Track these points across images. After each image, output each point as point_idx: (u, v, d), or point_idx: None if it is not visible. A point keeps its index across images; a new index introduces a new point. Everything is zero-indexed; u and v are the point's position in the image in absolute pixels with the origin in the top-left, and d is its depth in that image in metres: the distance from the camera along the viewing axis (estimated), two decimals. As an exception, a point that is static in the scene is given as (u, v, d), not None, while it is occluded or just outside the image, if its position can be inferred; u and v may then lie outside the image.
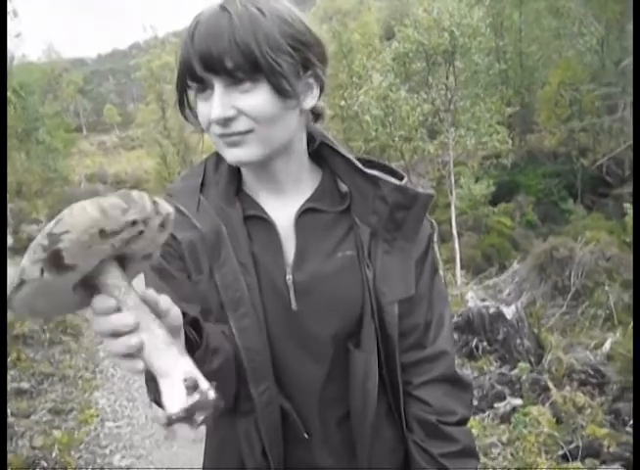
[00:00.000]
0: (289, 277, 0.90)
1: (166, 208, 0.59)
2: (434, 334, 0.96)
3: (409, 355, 0.95)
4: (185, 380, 0.58)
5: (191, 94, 0.86)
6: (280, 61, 0.79)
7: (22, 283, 0.55)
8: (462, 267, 9.59)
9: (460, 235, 13.42)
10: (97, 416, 4.45)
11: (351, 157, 0.93)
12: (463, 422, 0.97)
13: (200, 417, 0.58)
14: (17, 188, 17.17)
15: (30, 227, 15.92)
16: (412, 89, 9.50)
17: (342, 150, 0.94)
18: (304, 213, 0.92)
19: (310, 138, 0.95)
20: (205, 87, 0.82)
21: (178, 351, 0.59)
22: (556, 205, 15.55)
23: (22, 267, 0.54)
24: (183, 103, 0.87)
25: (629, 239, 8.64)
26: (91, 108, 45.00)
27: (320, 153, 0.96)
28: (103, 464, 3.74)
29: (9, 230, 15.60)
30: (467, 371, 4.30)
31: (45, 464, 3.67)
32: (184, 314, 0.74)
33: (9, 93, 8.02)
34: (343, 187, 0.95)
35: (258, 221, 0.92)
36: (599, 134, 17.00)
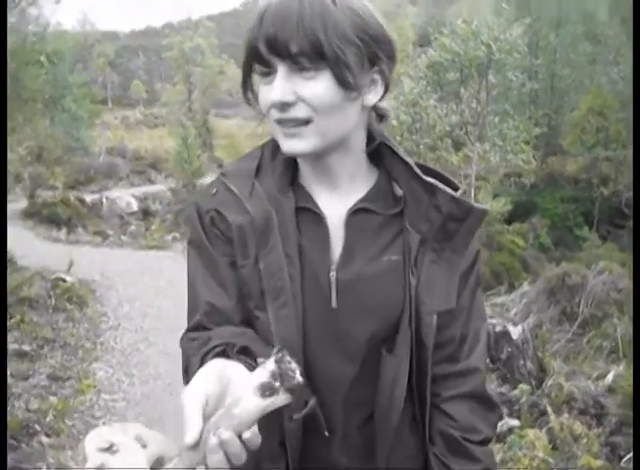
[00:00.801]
0: (332, 274, 0.90)
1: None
2: (468, 349, 0.95)
3: (441, 368, 0.94)
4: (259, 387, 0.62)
5: (255, 78, 0.87)
6: (346, 51, 0.79)
7: None
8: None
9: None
10: (94, 387, 4.48)
11: (410, 161, 0.92)
12: (486, 442, 0.96)
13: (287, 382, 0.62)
14: (38, 152, 17.25)
15: (46, 193, 16.04)
16: (442, 99, 9.46)
17: (402, 153, 0.93)
18: (356, 213, 0.92)
19: (370, 137, 0.94)
20: (269, 71, 0.82)
21: None
22: (571, 230, 15.42)
23: None
24: (246, 85, 0.88)
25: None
26: (119, 82, 45.17)
27: (378, 153, 0.96)
28: (95, 435, 3.76)
29: (25, 194, 15.71)
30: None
31: (38, 428, 3.70)
32: (233, 345, 0.80)
33: (42, 58, 8.05)
34: (398, 191, 0.94)
35: (309, 214, 0.92)
36: (622, 165, 16.82)
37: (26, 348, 5.17)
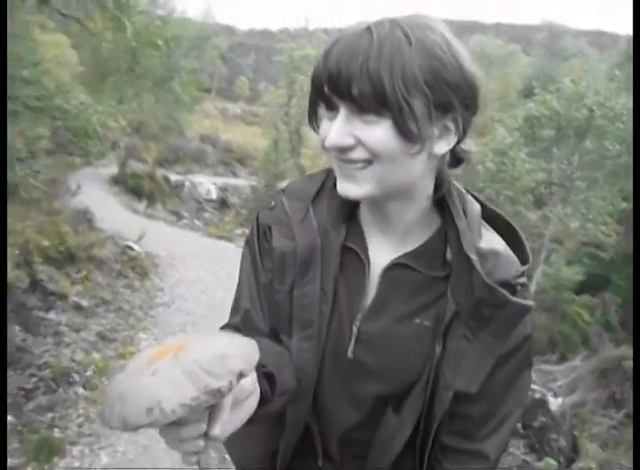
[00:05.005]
0: (356, 324, 0.87)
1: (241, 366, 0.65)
2: (486, 433, 0.87)
3: (452, 440, 0.88)
4: None
5: (322, 108, 0.80)
6: (411, 100, 0.71)
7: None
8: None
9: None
10: (135, 355, 4.67)
11: (462, 227, 0.83)
12: None
13: None
14: (137, 126, 18.17)
15: (136, 165, 16.87)
16: (533, 154, 9.19)
17: (457, 213, 0.84)
18: (396, 267, 0.87)
19: (440, 184, 0.86)
20: (332, 106, 0.77)
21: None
22: (642, 315, 14.61)
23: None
24: (312, 115, 0.82)
25: None
26: (226, 75, 46.90)
27: (445, 202, 0.87)
28: (125, 399, 3.94)
29: (118, 161, 16.57)
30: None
31: (77, 379, 3.92)
32: (262, 366, 0.78)
33: (160, 42, 8.53)
34: (449, 254, 0.86)
35: (354, 255, 0.88)
36: None
37: (84, 303, 5.48)
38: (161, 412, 0.58)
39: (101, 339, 4.81)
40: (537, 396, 4.40)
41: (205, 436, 0.65)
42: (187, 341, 0.66)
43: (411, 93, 0.71)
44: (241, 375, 0.63)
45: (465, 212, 0.85)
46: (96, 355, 4.39)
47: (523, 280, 0.81)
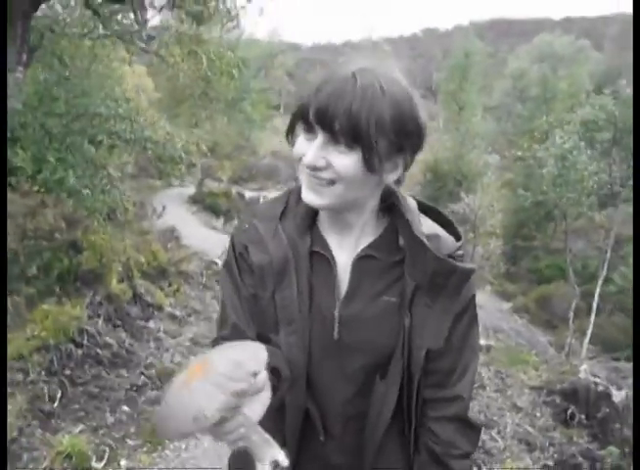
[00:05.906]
0: (336, 310, 1.05)
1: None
2: (455, 379, 1.08)
3: (430, 392, 1.08)
4: (272, 462, 0.87)
5: (300, 126, 0.98)
6: (380, 142, 0.90)
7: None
8: (596, 343, 9.18)
9: (611, 313, 12.71)
10: (225, 357, 5.24)
11: (411, 219, 1.02)
12: (465, 456, 1.10)
13: None
14: (212, 147, 19.14)
15: (212, 184, 17.86)
16: (593, 157, 9.12)
17: (406, 210, 1.04)
18: (362, 258, 1.05)
19: (386, 193, 1.06)
20: (311, 130, 0.94)
21: (269, 445, 0.88)
22: None
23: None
24: (290, 130, 1.00)
25: None
26: (294, 91, 47.78)
27: (391, 206, 1.07)
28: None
29: (195, 182, 17.62)
30: (555, 434, 4.41)
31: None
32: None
33: (234, 71, 9.19)
34: (402, 241, 1.05)
35: (321, 257, 1.06)
36: None
37: (177, 313, 6.14)
38: (205, 418, 0.79)
39: (194, 344, 5.41)
40: (600, 388, 4.58)
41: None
42: (207, 357, 0.87)
43: (380, 137, 0.90)
44: (255, 374, 0.84)
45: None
46: (192, 358, 4.97)
47: (460, 252, 1.03)
